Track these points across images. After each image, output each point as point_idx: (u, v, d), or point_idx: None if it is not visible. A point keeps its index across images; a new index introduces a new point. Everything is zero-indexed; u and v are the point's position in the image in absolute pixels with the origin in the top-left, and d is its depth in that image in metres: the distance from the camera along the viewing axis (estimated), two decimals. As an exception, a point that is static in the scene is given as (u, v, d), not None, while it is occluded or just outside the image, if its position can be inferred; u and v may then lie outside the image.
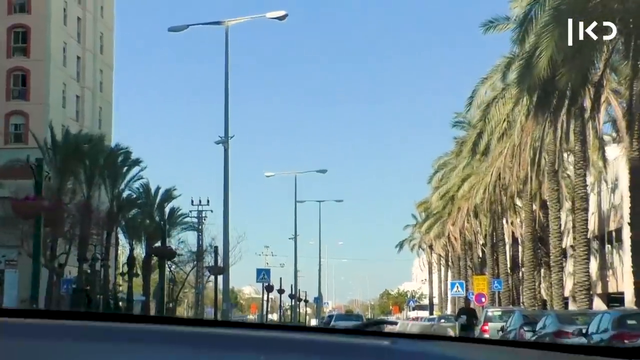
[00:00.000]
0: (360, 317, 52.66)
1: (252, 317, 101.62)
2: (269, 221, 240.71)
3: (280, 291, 53.62)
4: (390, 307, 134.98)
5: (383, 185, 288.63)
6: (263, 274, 42.02)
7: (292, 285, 63.45)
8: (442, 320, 49.51)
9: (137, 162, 70.64)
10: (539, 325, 22.99)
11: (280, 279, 66.48)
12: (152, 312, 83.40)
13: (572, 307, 42.32)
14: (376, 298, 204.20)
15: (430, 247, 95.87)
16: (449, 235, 64.78)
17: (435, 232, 68.57)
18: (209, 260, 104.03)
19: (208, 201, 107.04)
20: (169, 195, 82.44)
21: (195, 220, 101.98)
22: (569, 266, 57.84)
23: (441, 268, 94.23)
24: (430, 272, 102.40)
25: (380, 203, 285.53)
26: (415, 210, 74.44)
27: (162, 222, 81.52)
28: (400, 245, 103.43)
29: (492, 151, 45.62)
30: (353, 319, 46.73)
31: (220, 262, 40.30)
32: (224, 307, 34.30)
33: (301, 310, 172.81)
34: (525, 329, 24.16)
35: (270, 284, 45.20)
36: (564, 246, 58.57)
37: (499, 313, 31.56)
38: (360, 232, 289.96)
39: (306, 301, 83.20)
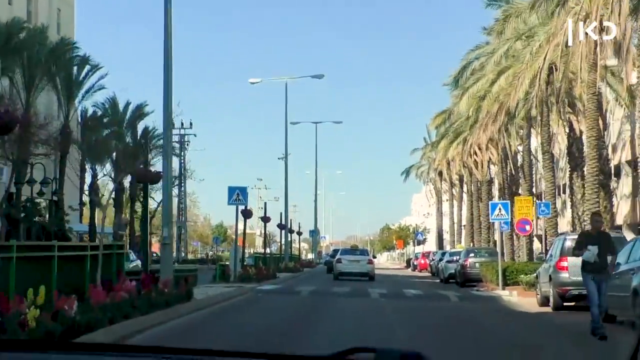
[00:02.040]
0: (365, 252, 50.71)
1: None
2: (261, 147, 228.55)
3: (265, 219, 44.06)
4: (394, 241, 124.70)
5: (390, 101, 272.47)
6: (237, 194, 31.16)
7: (281, 214, 53.07)
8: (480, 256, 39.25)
9: (96, 67, 59.53)
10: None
11: (281, 214, 56.01)
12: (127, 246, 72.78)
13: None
14: (376, 233, 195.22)
15: (440, 173, 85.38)
16: (471, 152, 53.88)
17: (453, 151, 57.58)
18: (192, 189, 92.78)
19: (191, 124, 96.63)
20: (140, 112, 71.48)
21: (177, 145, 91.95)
22: (624, 187, 47.18)
23: (453, 197, 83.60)
24: (439, 202, 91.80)
25: (385, 124, 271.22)
26: (429, 127, 62.90)
27: (139, 142, 71.16)
28: (407, 172, 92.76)
29: (541, 34, 34.42)
30: (358, 254, 46.47)
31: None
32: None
33: (297, 245, 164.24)
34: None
35: (249, 208, 34.40)
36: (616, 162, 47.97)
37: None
38: (362, 159, 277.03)
39: (299, 233, 72.64)
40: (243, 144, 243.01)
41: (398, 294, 29.45)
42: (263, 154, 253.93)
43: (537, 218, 40.56)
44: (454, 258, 44.00)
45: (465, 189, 75.15)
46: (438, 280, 47.96)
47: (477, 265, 38.89)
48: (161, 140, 74.56)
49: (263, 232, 68.08)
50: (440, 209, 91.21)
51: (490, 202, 32.84)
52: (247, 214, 35.54)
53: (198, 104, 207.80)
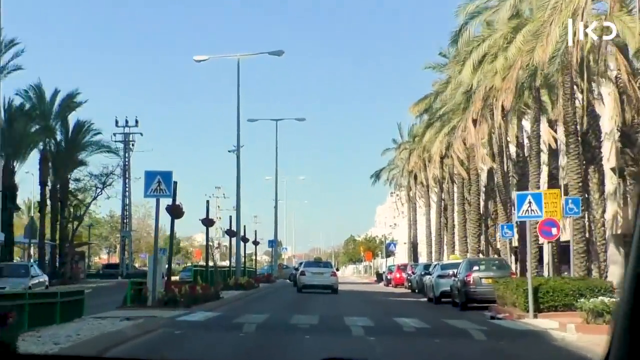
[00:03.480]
0: (329, 264, 51.45)
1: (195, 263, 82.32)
2: (217, 147, 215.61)
3: (208, 222, 34.71)
4: (361, 253, 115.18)
5: (358, 95, 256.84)
6: (157, 182, 21.57)
7: (230, 217, 43.16)
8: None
9: (11, 43, 49.66)
10: None
11: (230, 217, 46.40)
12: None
13: None
14: (340, 244, 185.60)
15: (415, 177, 76.16)
16: (464, 142, 44.60)
17: (439, 144, 48.01)
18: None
19: (137, 122, 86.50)
20: (71, 102, 61.35)
21: (117, 144, 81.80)
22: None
23: (429, 202, 74.33)
24: (412, 209, 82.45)
25: (353, 122, 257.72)
26: (411, 111, 53.07)
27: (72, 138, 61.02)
28: (377, 176, 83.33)
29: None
30: (322, 267, 47.07)
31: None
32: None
33: (259, 259, 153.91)
34: None
35: (179, 204, 24.59)
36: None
37: None
38: (327, 163, 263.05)
39: (256, 243, 62.89)
40: (195, 143, 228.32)
41: (389, 326, 19.81)
42: (219, 155, 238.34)
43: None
44: (449, 272, 34.61)
45: (445, 191, 65.94)
46: (425, 299, 38.61)
47: (483, 281, 29.54)
48: (99, 136, 64.91)
49: (228, 244, 58.23)
50: (413, 217, 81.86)
51: (517, 194, 23.19)
52: (175, 211, 25.92)
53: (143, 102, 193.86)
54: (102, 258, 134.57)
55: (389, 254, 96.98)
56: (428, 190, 73.67)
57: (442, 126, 47.30)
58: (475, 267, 30.75)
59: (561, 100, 30.86)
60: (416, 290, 49.57)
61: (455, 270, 32.91)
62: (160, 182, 22.75)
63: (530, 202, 22.38)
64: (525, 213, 22.57)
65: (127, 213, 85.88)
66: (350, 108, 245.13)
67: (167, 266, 25.33)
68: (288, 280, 68.03)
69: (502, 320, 22.80)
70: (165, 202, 24.83)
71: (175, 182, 25.84)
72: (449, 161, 58.75)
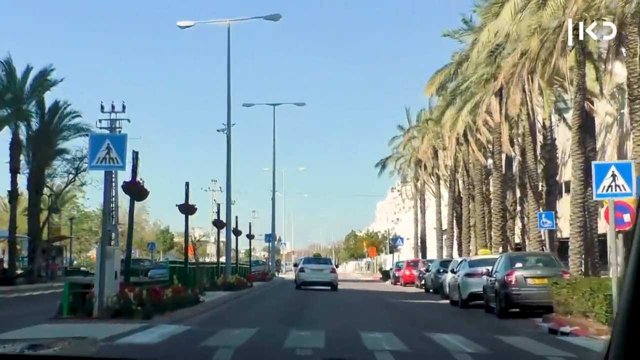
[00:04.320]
0: (328, 261, 49.87)
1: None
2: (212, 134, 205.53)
3: (187, 209, 29.72)
4: (364, 248, 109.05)
5: (363, 80, 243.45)
6: (106, 147, 15.47)
7: (219, 206, 36.69)
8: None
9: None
10: None
11: (219, 206, 40.40)
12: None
13: None
14: (340, 240, 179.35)
15: (424, 167, 70.10)
16: (488, 118, 38.50)
17: (461, 123, 41.55)
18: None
19: (124, 107, 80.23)
20: (44, 79, 55.16)
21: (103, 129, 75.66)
22: None
23: (440, 193, 68.33)
24: (420, 203, 76.35)
25: (356, 109, 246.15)
26: (425, 91, 46.56)
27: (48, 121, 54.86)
28: (382, 165, 77.07)
29: None
30: (321, 263, 46.09)
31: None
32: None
33: (257, 254, 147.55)
34: None
35: (140, 180, 18.61)
36: None
37: None
38: (328, 152, 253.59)
39: (251, 236, 56.88)
40: (187, 132, 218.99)
41: (431, 351, 13.63)
42: (214, 143, 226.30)
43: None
44: (479, 270, 28.60)
45: (458, 181, 59.93)
46: (446, 302, 32.64)
47: (528, 281, 23.51)
48: (78, 119, 58.87)
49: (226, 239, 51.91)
50: (422, 209, 75.71)
51: (595, 164, 17.10)
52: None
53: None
54: (94, 254, 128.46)
55: (394, 249, 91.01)
56: (439, 180, 67.66)
57: (465, 102, 40.89)
58: (518, 264, 24.64)
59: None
60: (431, 290, 43.70)
61: (487, 268, 26.87)
62: (111, 150, 16.68)
63: (614, 176, 16.31)
64: (607, 190, 16.50)
65: (114, 205, 79.63)
66: (353, 94, 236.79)
67: (118, 265, 19.11)
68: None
69: (573, 336, 16.71)
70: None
71: (136, 152, 19.94)
72: (464, 148, 52.78)
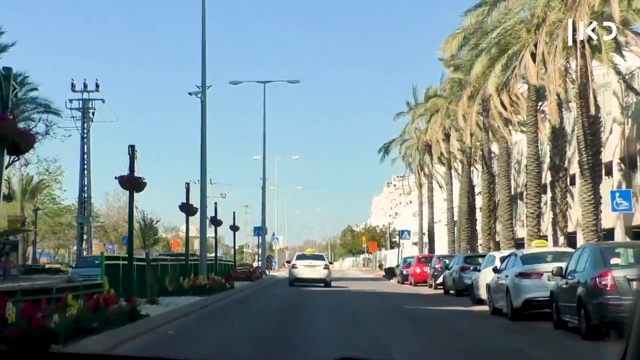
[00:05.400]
0: (321, 257, 48.42)
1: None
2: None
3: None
4: (363, 244, 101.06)
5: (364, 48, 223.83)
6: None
7: (187, 186, 28.62)
8: None
9: None
10: None
11: (187, 185, 32.11)
12: None
13: None
14: (337, 235, 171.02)
15: (430, 152, 62.24)
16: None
17: (494, 80, 32.96)
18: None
19: (97, 85, 72.11)
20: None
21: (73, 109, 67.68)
22: None
23: (451, 179, 60.39)
24: (427, 191, 68.39)
25: (355, 87, 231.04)
26: (444, 48, 37.82)
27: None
28: (385, 149, 68.85)
29: None
30: (314, 259, 45.50)
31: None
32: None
33: (250, 251, 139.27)
34: None
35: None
36: None
37: None
38: (324, 137, 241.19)
39: (235, 228, 48.89)
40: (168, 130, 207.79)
41: None
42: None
43: None
44: (537, 269, 20.71)
45: (479, 166, 52.05)
46: (482, 309, 24.77)
47: (634, 286, 15.55)
48: (35, 91, 50.83)
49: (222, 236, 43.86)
50: (430, 199, 67.63)
51: None
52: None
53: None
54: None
55: (395, 245, 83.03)
56: (451, 165, 59.65)
57: (503, 52, 32.00)
58: (614, 260, 16.64)
59: None
60: (450, 292, 35.94)
61: (559, 266, 18.84)
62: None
63: None
64: None
65: (86, 195, 71.41)
66: (352, 71, 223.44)
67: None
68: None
69: None
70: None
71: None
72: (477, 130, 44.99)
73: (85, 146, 69.09)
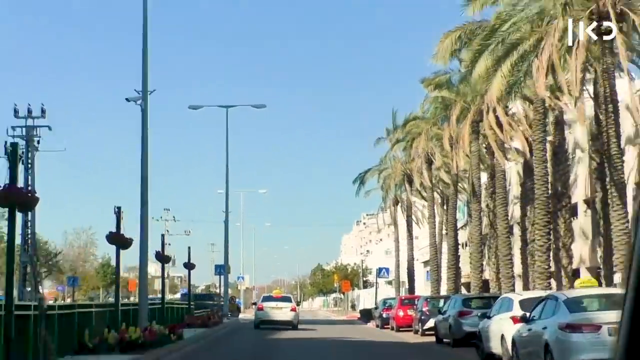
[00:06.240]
0: (288, 298, 46.41)
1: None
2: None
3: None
4: (335, 283, 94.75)
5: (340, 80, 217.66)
6: None
7: (162, 237, 22.00)
8: None
9: None
10: None
11: (118, 209, 25.75)
12: None
13: None
14: (306, 274, 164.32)
15: (410, 180, 56.50)
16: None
17: (500, 81, 26.82)
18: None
19: (43, 111, 65.64)
20: None
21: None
22: None
23: (434, 212, 54.38)
24: (406, 225, 62.48)
25: (331, 107, 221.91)
26: (440, 47, 31.89)
27: None
28: (361, 180, 62.78)
29: None
30: (280, 300, 44.23)
31: None
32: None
33: (219, 290, 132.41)
34: None
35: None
36: None
37: None
38: (291, 169, 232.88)
39: (190, 266, 42.38)
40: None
41: None
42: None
43: None
44: (595, 319, 14.74)
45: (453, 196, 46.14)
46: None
47: None
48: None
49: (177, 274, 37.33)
50: (410, 232, 61.60)
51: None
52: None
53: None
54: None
55: (368, 284, 76.85)
56: (433, 196, 53.74)
57: (513, 48, 25.90)
58: None
59: None
60: (445, 340, 29.96)
61: (611, 316, 12.76)
62: None
63: None
64: None
65: (30, 232, 64.58)
66: (324, 96, 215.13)
67: None
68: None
69: None
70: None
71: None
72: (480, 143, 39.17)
73: (30, 177, 62.61)
